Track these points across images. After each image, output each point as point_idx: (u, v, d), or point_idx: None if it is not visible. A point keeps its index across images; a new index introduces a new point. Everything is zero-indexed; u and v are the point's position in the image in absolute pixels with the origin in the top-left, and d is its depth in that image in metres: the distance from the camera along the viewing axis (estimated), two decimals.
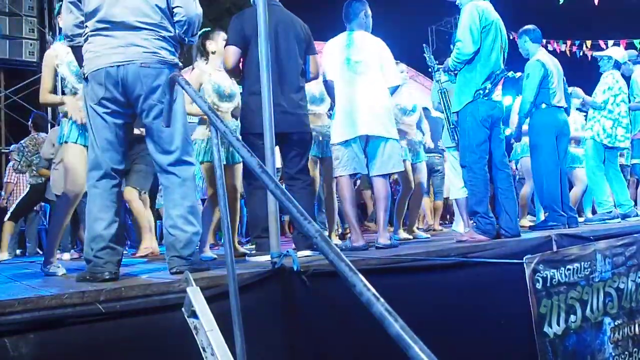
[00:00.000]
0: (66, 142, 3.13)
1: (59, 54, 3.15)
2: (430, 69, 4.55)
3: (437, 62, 4.54)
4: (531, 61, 4.76)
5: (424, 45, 4.80)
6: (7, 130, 9.60)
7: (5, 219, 5.99)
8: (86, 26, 2.42)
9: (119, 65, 2.34)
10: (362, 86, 3.65)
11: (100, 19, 2.36)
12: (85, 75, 2.41)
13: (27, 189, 6.12)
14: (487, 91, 3.56)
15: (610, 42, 11.44)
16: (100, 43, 2.37)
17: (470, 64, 3.67)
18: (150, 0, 2.41)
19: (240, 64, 3.35)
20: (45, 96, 3.20)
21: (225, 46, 3.39)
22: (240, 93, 3.70)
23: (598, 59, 5.63)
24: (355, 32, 3.80)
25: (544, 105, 4.67)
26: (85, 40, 2.43)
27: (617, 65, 5.56)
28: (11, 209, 6.09)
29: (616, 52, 5.78)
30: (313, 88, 4.24)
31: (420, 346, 0.87)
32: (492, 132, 3.69)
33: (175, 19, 2.49)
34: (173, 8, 2.47)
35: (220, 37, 3.80)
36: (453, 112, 3.91)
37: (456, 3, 3.92)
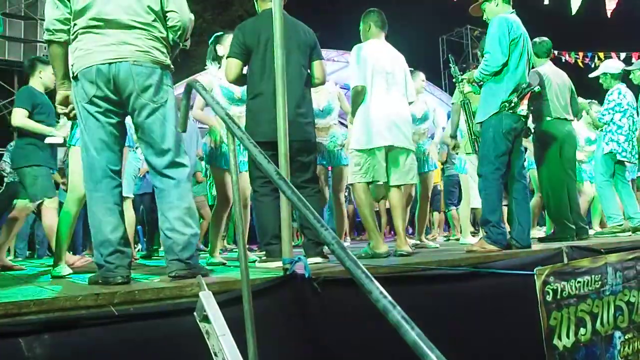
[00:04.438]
0: (74, 145, 3.18)
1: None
2: (454, 80, 4.57)
3: (461, 72, 4.56)
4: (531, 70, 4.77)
5: (449, 56, 4.89)
6: None
7: None
8: (75, 24, 2.38)
9: (110, 63, 2.30)
10: (390, 97, 3.68)
11: (92, 16, 2.33)
12: (75, 74, 2.36)
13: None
14: (512, 104, 3.54)
15: (623, 55, 11.41)
16: (91, 40, 2.33)
17: (497, 76, 3.65)
18: (143, 1, 2.39)
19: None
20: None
21: (226, 58, 3.32)
22: None
23: (600, 79, 5.59)
24: (384, 41, 3.85)
25: (548, 118, 4.69)
26: (75, 38, 2.39)
27: (619, 77, 5.49)
28: None
29: (610, 65, 5.69)
30: (318, 101, 4.17)
31: (437, 354, 0.88)
32: (514, 145, 3.68)
33: (170, 23, 2.47)
34: (167, 12, 2.46)
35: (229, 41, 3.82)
36: (477, 123, 3.89)
37: (483, 18, 3.91)
